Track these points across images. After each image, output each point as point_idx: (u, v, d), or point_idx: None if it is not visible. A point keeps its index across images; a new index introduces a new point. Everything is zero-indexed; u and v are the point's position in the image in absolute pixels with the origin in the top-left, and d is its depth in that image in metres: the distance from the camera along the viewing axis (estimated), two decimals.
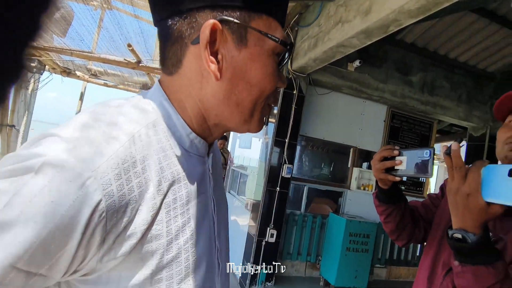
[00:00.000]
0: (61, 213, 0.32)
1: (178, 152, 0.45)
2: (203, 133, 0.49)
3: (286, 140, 3.44)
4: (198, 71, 0.44)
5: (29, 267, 0.32)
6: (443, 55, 4.11)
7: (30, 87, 6.73)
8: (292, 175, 3.52)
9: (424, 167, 0.75)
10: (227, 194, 5.09)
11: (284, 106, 3.45)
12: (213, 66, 0.43)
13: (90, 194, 0.34)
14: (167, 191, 0.42)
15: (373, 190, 1.04)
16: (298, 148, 3.78)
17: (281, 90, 3.43)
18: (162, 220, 0.41)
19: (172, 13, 0.43)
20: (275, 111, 3.52)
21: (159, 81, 0.49)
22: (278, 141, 3.44)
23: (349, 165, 4.09)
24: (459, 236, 0.66)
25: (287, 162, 3.42)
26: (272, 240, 3.36)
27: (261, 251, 3.36)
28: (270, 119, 3.68)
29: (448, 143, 0.69)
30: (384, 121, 4.18)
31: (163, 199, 0.41)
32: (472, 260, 0.64)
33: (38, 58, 5.68)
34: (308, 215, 3.81)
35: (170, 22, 0.44)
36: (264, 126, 0.53)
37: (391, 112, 4.21)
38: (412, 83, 4.01)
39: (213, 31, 0.41)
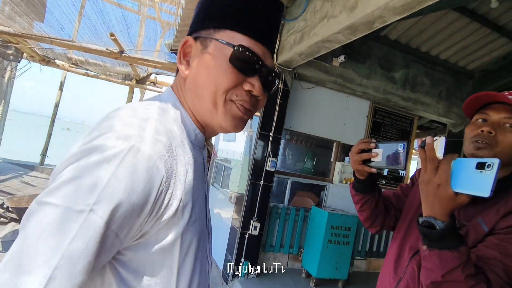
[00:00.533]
0: (143, 185, 0.45)
1: (189, 144, 0.58)
2: (200, 127, 0.63)
3: (271, 134, 3.45)
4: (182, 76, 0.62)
5: (118, 229, 0.44)
6: (424, 52, 4.20)
7: (7, 76, 6.46)
8: (276, 169, 3.55)
9: (398, 160, 0.79)
10: (210, 187, 5.08)
11: (269, 100, 3.45)
12: (182, 66, 0.61)
13: (160, 170, 0.48)
14: (187, 170, 0.55)
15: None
16: (282, 141, 3.81)
17: None
18: (188, 193, 0.54)
19: None
20: None
21: (171, 86, 0.65)
22: (262, 134, 3.45)
23: (332, 159, 4.15)
24: (429, 223, 0.71)
25: (271, 156, 3.44)
26: (256, 232, 3.39)
27: (244, 243, 3.39)
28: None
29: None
30: (367, 116, 4.26)
31: (186, 176, 0.54)
32: (439, 244, 0.70)
33: (15, 45, 5.44)
34: (291, 208, 3.86)
35: None
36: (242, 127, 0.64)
37: (374, 107, 4.28)
38: (394, 79, 4.09)
39: (187, 44, 0.60)
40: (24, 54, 6.02)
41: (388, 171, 4.49)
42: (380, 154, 0.85)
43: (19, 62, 6.26)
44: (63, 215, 0.41)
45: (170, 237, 0.51)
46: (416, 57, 4.19)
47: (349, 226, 3.57)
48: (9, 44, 5.39)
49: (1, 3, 3.88)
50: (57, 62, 6.35)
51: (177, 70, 0.65)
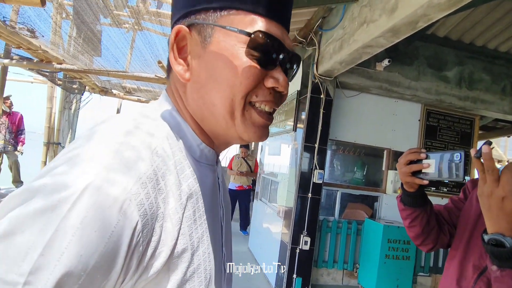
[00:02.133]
0: (105, 241, 0.32)
1: (191, 164, 0.45)
2: (206, 140, 0.50)
3: (316, 145, 3.38)
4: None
5: None
6: (480, 46, 3.85)
7: (73, 107, 7.25)
8: (324, 181, 3.45)
9: (455, 170, 0.73)
10: (258, 201, 5.08)
11: (312, 111, 3.41)
12: (179, 68, 0.45)
13: (129, 216, 0.34)
14: (186, 204, 0.42)
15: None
16: (329, 152, 3.71)
17: (308, 95, 3.41)
18: (185, 234, 0.41)
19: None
20: (303, 117, 3.48)
21: (166, 90, 0.51)
22: (307, 146, 3.40)
23: (383, 168, 3.93)
24: (496, 240, 0.65)
25: (318, 168, 3.37)
26: (306, 247, 3.29)
27: (296, 259, 3.30)
28: (298, 125, 3.65)
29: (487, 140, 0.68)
30: (419, 120, 3.98)
31: (183, 213, 0.41)
32: (511, 264, 0.63)
33: (79, 80, 6.10)
34: (343, 221, 3.70)
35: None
36: (263, 135, 0.49)
37: (426, 110, 4.00)
38: (447, 79, 3.79)
39: (180, 35, 0.44)
40: (87, 87, 6.72)
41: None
42: (432, 165, 0.79)
43: (82, 95, 7.00)
44: None
45: None
46: (471, 53, 3.85)
47: (408, 239, 3.31)
48: (74, 80, 6.07)
49: (67, 45, 4.40)
50: (114, 91, 6.99)
51: (169, 69, 0.50)
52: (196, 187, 0.45)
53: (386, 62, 3.41)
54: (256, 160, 5.73)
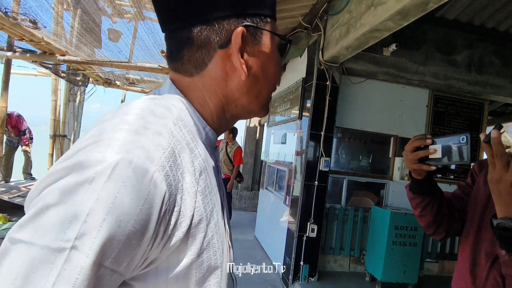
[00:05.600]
0: (139, 208, 0.35)
1: (199, 145, 0.49)
2: (220, 125, 0.55)
3: (322, 133, 3.35)
4: (223, 71, 0.50)
5: (114, 264, 0.35)
6: (491, 29, 3.74)
7: (77, 100, 7.25)
8: (330, 168, 3.44)
9: (461, 154, 0.72)
10: (264, 190, 5.09)
11: (318, 98, 3.36)
12: (244, 66, 0.50)
13: (158, 185, 0.37)
14: (199, 180, 0.46)
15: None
16: (335, 140, 3.68)
17: (314, 82, 3.36)
18: (200, 206, 0.44)
19: (197, 22, 0.48)
20: (309, 104, 3.44)
21: (172, 81, 0.54)
22: (313, 134, 3.37)
23: (390, 155, 3.90)
24: (505, 224, 0.65)
25: (324, 155, 3.34)
26: (313, 235, 3.30)
27: (303, 246, 3.32)
28: (304, 113, 3.61)
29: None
30: (427, 106, 3.92)
31: (197, 187, 0.45)
32: None
33: (82, 72, 6.08)
34: (349, 208, 3.70)
35: (195, 30, 0.48)
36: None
37: (434, 96, 3.93)
38: (456, 63, 3.71)
39: (243, 36, 0.49)
40: (90, 78, 6.71)
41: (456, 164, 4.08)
42: (439, 150, 0.78)
43: (86, 87, 6.99)
44: (38, 256, 0.31)
45: (184, 262, 0.42)
46: (481, 36, 3.75)
47: (415, 226, 3.30)
48: (77, 72, 6.05)
49: (69, 35, 4.37)
50: (117, 83, 6.97)
51: (179, 65, 0.52)
52: (204, 166, 0.48)
53: (393, 46, 3.33)
54: (238, 148, 5.24)
